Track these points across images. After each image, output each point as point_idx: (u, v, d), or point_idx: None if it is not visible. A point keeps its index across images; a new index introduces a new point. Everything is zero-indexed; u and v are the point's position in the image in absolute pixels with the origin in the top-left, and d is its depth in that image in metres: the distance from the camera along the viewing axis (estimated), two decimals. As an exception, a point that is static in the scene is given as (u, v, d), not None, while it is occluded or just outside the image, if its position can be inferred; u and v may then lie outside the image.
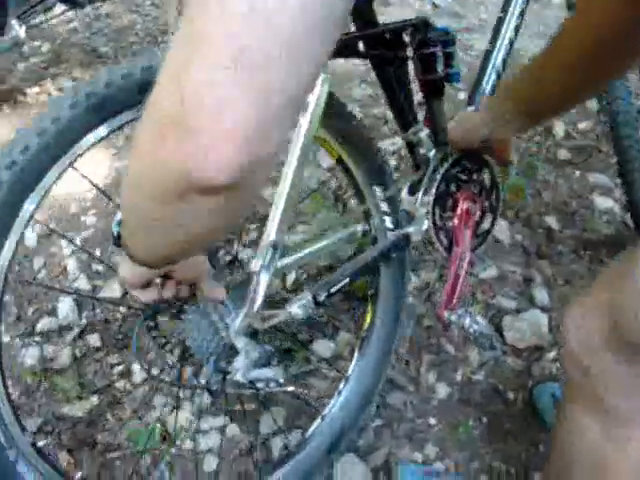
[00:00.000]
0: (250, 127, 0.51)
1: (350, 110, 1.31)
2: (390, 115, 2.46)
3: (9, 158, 0.96)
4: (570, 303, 0.95)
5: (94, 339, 1.63)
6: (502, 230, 2.06)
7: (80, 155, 1.04)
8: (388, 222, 1.40)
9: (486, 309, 1.84)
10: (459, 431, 1.56)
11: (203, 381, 1.13)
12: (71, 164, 1.04)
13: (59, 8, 2.82)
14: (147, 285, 0.96)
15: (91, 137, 1.03)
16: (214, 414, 1.53)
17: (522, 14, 1.43)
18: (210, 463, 1.45)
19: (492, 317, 1.83)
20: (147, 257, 0.79)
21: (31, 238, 1.86)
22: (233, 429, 1.51)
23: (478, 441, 1.56)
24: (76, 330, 1.64)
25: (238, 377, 1.12)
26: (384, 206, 1.39)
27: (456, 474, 1.47)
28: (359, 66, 2.73)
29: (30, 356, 1.58)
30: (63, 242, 1.86)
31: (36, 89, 2.43)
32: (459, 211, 1.43)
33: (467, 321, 1.39)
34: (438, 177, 1.37)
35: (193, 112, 0.51)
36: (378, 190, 1.37)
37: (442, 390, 1.64)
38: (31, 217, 1.02)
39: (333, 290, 1.24)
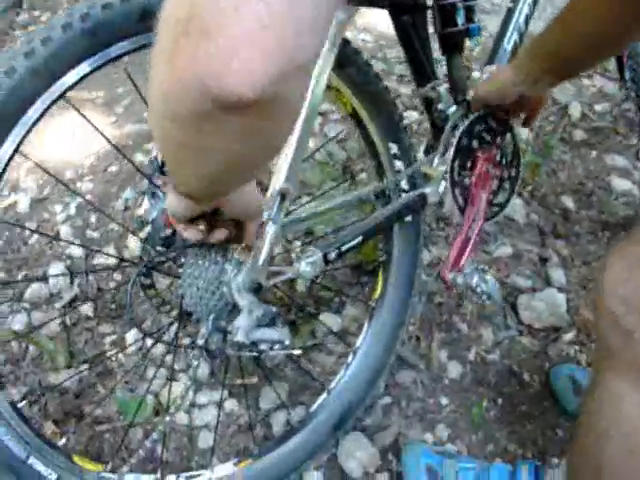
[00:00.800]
0: (281, 25, 0.41)
1: (367, 60, 1.22)
2: (403, 90, 2.39)
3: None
4: (610, 252, 0.85)
5: (86, 308, 1.53)
6: (517, 209, 1.96)
7: (72, 87, 0.95)
8: (403, 183, 1.31)
9: (500, 288, 1.75)
10: (472, 412, 1.46)
11: (201, 341, 1.03)
12: (62, 95, 0.95)
13: None
14: (192, 222, 0.89)
15: (85, 66, 0.93)
16: (211, 387, 1.43)
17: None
18: (206, 439, 1.35)
19: (507, 296, 1.73)
20: (188, 187, 0.74)
21: (23, 202, 1.77)
22: (231, 404, 1.41)
23: (492, 423, 1.46)
24: (67, 298, 1.54)
25: (239, 337, 1.02)
26: (399, 164, 1.30)
27: (468, 456, 1.37)
28: (368, 43, 2.64)
29: (17, 322, 1.48)
30: (57, 207, 1.76)
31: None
32: (477, 171, 1.34)
33: (475, 279, 1.30)
34: (458, 133, 1.28)
35: (209, 9, 0.41)
36: (394, 147, 1.28)
37: (454, 369, 1.55)
38: (16, 151, 0.93)
39: (344, 248, 1.16)
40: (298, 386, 1.47)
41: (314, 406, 1.33)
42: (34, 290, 1.55)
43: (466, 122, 1.28)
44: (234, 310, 1.07)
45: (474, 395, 1.51)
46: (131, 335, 1.49)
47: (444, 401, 1.49)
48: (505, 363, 1.58)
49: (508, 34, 1.36)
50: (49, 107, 0.94)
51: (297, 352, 1.07)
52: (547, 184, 2.07)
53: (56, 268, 1.59)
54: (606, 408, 0.86)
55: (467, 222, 1.34)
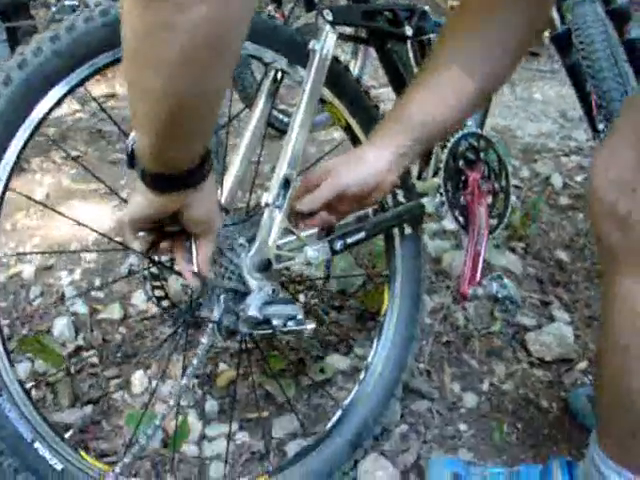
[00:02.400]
0: None
1: (357, 78, 1.33)
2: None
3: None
4: (595, 159, 0.88)
5: (91, 356, 1.51)
6: (513, 263, 2.00)
7: (89, 77, 1.03)
8: (400, 196, 1.37)
9: (506, 326, 1.74)
10: (494, 437, 1.41)
11: (216, 317, 1.03)
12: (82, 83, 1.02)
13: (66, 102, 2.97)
14: (148, 228, 0.89)
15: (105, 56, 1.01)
16: (221, 421, 1.38)
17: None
18: (218, 469, 1.28)
19: (514, 334, 1.72)
20: (160, 152, 0.74)
21: (28, 271, 1.79)
22: (243, 436, 1.36)
23: (515, 446, 1.40)
24: (71, 347, 1.52)
25: (252, 311, 1.02)
26: (395, 179, 1.36)
27: (496, 466, 1.30)
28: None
29: (21, 370, 1.44)
30: (62, 273, 1.79)
31: (41, 158, 2.47)
32: (470, 188, 1.41)
33: (494, 287, 1.31)
34: (445, 156, 1.36)
35: None
36: (388, 162, 1.35)
37: (470, 399, 1.51)
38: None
39: (350, 241, 1.19)
40: (310, 420, 1.42)
41: (329, 424, 1.28)
42: (38, 342, 1.53)
43: (450, 144, 1.37)
44: (245, 293, 1.08)
45: (493, 421, 1.45)
46: (137, 377, 1.45)
47: (463, 427, 1.43)
48: (520, 392, 1.54)
49: None
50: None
51: (311, 327, 1.05)
52: (539, 241, 2.13)
53: (61, 322, 1.58)
54: (622, 320, 0.85)
55: (472, 238, 1.39)
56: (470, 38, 1.03)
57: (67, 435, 0.99)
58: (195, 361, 1.10)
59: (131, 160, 0.81)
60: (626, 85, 1.83)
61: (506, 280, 1.30)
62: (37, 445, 0.94)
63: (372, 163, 1.05)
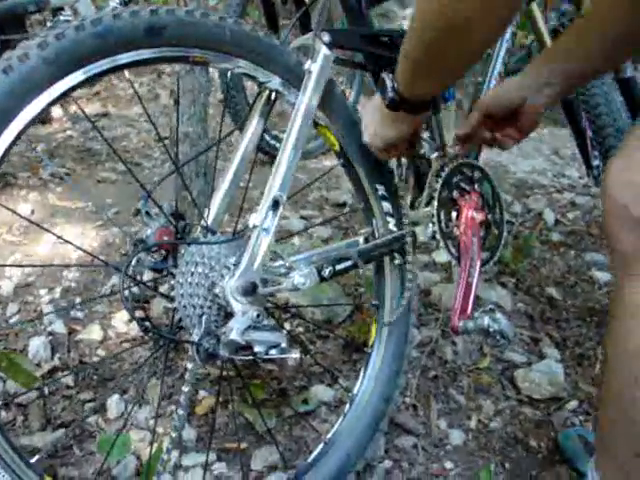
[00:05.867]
0: None
1: (351, 103, 1.31)
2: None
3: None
4: (608, 165, 0.87)
5: (66, 377, 1.46)
6: (503, 298, 1.97)
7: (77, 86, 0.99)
8: (392, 224, 1.34)
9: (495, 362, 1.71)
10: (481, 477, 1.35)
11: (195, 338, 0.99)
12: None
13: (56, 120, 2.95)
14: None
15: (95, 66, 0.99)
16: (198, 450, 1.33)
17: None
18: (192, 501, 1.22)
19: (503, 370, 1.69)
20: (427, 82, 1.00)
21: (7, 287, 1.74)
22: (220, 466, 1.30)
23: (502, 487, 1.35)
24: (46, 367, 1.47)
25: (234, 336, 0.98)
26: (387, 206, 1.33)
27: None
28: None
29: (-9, 390, 1.39)
30: (42, 291, 1.73)
31: (28, 174, 2.43)
32: (464, 219, 1.38)
33: (486, 321, 1.27)
34: (439, 185, 1.34)
35: None
36: (381, 189, 1.33)
37: (456, 436, 1.46)
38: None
39: (338, 268, 1.16)
40: (291, 452, 1.37)
41: (311, 457, 1.23)
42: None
43: (444, 173, 1.35)
44: (227, 315, 1.04)
45: (480, 459, 1.41)
46: (113, 401, 1.40)
47: (449, 465, 1.38)
48: (509, 430, 1.50)
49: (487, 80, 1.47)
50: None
51: (295, 356, 1.01)
52: (530, 277, 2.11)
53: (37, 341, 1.52)
54: (634, 326, 0.83)
55: (464, 269, 1.36)
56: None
57: (34, 460, 0.93)
58: (186, 388, 1.05)
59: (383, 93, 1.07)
60: (621, 123, 1.83)
61: (498, 314, 1.26)
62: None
63: (507, 86, 1.22)
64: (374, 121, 1.17)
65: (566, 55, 1.13)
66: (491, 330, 1.26)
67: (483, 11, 0.77)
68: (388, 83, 1.05)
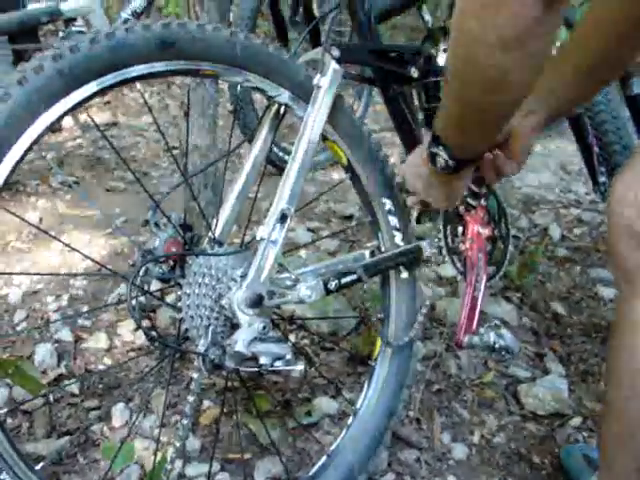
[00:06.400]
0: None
1: (358, 117, 1.32)
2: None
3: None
4: (615, 181, 0.88)
5: (71, 385, 1.46)
6: (508, 313, 1.97)
7: (89, 98, 1.01)
8: (398, 238, 1.34)
9: (499, 377, 1.71)
10: (483, 492, 1.36)
11: (202, 348, 0.99)
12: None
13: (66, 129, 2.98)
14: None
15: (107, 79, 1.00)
16: (201, 460, 1.33)
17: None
18: (196, 511, 1.23)
19: (507, 385, 1.69)
20: (479, 139, 0.98)
21: (15, 294, 1.75)
22: (224, 477, 1.30)
23: (506, 504, 1.35)
24: (52, 375, 1.48)
25: (239, 347, 0.99)
26: (394, 220, 1.34)
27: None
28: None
29: (-2, 397, 1.40)
30: (49, 299, 1.75)
31: (37, 181, 2.45)
32: (469, 234, 1.39)
33: (492, 337, 1.27)
34: None
35: None
36: (387, 203, 1.33)
37: (459, 450, 1.46)
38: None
39: (344, 281, 1.17)
40: (294, 464, 1.37)
41: (314, 469, 1.24)
42: (18, 368, 1.48)
43: None
44: (233, 327, 1.05)
45: (483, 475, 1.41)
46: (118, 409, 1.40)
47: (451, 479, 1.38)
48: (512, 446, 1.50)
49: None
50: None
51: (300, 368, 1.02)
52: (536, 293, 2.11)
53: (44, 349, 1.54)
54: (636, 341, 0.83)
55: (470, 285, 1.36)
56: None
57: (38, 467, 0.94)
58: (191, 398, 1.05)
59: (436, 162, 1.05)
60: (628, 139, 1.84)
61: (504, 330, 1.27)
62: (3, 476, 0.90)
63: None
64: (437, 190, 1.15)
65: (548, 87, 1.14)
66: (496, 346, 1.27)
67: (520, 60, 0.77)
68: (444, 155, 1.02)
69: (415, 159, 1.16)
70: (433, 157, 1.04)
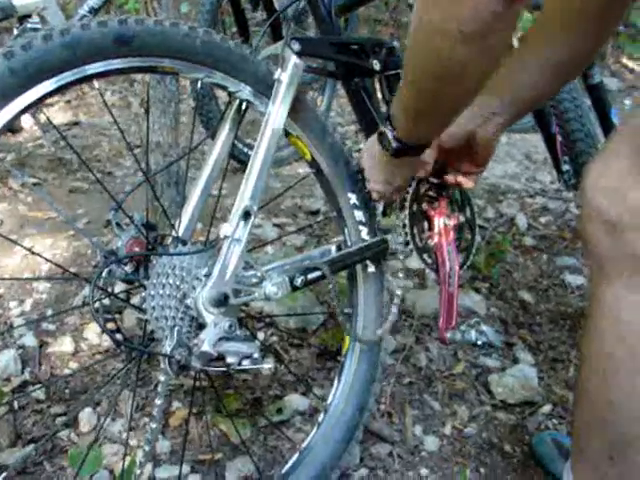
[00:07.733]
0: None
1: (322, 112, 1.31)
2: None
3: None
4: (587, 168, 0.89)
5: (37, 392, 1.43)
6: (477, 303, 1.98)
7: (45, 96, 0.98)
8: (364, 233, 1.34)
9: (469, 368, 1.71)
10: (456, 482, 1.36)
11: (168, 349, 0.98)
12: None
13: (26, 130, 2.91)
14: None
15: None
16: (172, 462, 1.31)
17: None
18: (167, 515, 1.21)
19: (477, 376, 1.69)
20: (428, 127, 1.02)
21: (-26, 300, 1.72)
22: (195, 479, 1.29)
23: (478, 493, 1.36)
24: (16, 381, 1.44)
25: (205, 347, 0.98)
26: (359, 215, 1.33)
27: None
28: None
29: (-41, 406, 1.36)
30: (12, 303, 1.71)
31: (-4, 184, 2.40)
32: (436, 229, 1.38)
33: (473, 335, 1.28)
34: (408, 197, 1.34)
35: None
36: (352, 197, 1.32)
37: (431, 442, 1.46)
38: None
39: (310, 277, 1.15)
40: (266, 462, 1.36)
41: (286, 467, 1.23)
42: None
43: (411, 188, 1.34)
44: (199, 327, 1.03)
45: (456, 466, 1.41)
46: (85, 414, 1.38)
47: (424, 472, 1.39)
48: (484, 436, 1.51)
49: None
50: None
51: (268, 366, 1.01)
52: (503, 282, 2.12)
53: (7, 355, 1.50)
54: (607, 327, 0.84)
55: (444, 279, 1.36)
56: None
57: (1, 477, 0.91)
58: (159, 401, 1.03)
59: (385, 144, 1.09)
60: (590, 127, 1.86)
61: (484, 326, 1.28)
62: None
63: (460, 120, 1.15)
64: (378, 170, 1.19)
65: (514, 87, 1.15)
66: (479, 343, 1.28)
67: (479, 53, 0.78)
68: (389, 135, 1.06)
69: (373, 137, 1.17)
70: (381, 135, 1.09)
